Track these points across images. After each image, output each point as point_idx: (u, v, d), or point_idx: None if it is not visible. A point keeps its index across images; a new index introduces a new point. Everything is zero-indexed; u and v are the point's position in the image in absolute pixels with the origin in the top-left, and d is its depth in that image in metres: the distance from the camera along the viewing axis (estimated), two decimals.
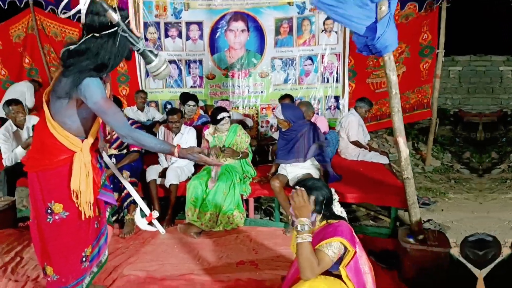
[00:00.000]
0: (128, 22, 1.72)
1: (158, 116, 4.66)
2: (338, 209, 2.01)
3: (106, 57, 1.70)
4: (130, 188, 2.95)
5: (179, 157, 1.89)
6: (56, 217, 1.88)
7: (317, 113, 4.76)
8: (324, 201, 1.83)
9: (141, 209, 3.03)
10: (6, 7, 4.37)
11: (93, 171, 1.93)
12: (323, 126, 3.90)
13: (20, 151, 3.48)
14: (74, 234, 1.94)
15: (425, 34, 4.81)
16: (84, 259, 2.02)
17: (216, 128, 3.45)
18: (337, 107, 4.98)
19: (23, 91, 4.56)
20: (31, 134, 3.55)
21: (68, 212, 1.89)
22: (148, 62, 1.80)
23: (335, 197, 2.00)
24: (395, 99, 2.55)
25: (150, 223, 3.07)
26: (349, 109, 4.82)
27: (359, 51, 2.67)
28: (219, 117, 3.37)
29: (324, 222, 1.89)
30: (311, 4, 4.29)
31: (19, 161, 3.54)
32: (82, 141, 1.88)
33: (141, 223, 3.05)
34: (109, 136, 3.37)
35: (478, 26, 7.73)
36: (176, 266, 2.66)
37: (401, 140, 2.54)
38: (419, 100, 5.04)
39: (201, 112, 4.54)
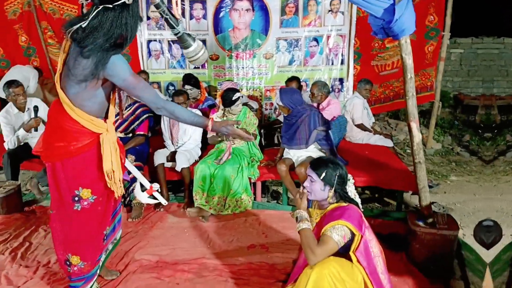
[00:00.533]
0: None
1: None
2: (352, 190, 2.02)
3: (124, 29, 1.63)
4: (128, 164, 2.90)
5: (212, 130, 1.84)
6: (85, 203, 1.85)
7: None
8: (337, 175, 1.87)
9: (141, 184, 2.98)
10: None
11: (119, 149, 1.91)
12: (336, 110, 3.84)
13: (22, 134, 3.41)
14: (100, 216, 1.93)
15: (432, 16, 4.73)
16: (105, 237, 2.04)
17: (229, 110, 3.38)
18: (341, 89, 4.93)
19: (27, 77, 4.40)
20: (32, 116, 3.46)
21: (96, 195, 1.87)
22: (185, 46, 1.73)
23: (351, 178, 2.01)
24: (410, 84, 2.52)
25: (151, 196, 3.03)
26: (353, 92, 4.78)
27: (374, 33, 2.62)
28: (234, 97, 3.31)
29: (335, 205, 1.90)
30: None
31: (21, 144, 3.48)
32: (104, 121, 1.85)
33: (142, 196, 2.98)
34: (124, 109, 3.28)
35: (479, 8, 7.65)
36: (188, 250, 2.67)
37: (414, 125, 2.54)
38: (423, 83, 5.01)
39: (206, 94, 4.47)
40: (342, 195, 1.91)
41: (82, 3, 4.79)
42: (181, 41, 1.73)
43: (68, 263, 1.94)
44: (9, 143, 3.43)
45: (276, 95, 3.28)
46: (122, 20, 1.61)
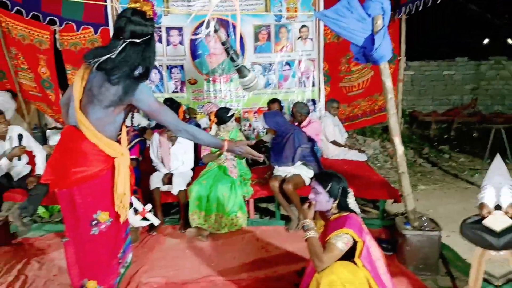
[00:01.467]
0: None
1: (144, 123, 4.58)
2: (352, 201, 2.21)
3: (147, 62, 1.81)
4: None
5: (227, 151, 1.99)
6: (102, 226, 1.87)
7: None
8: (340, 188, 2.04)
9: (134, 208, 2.97)
10: None
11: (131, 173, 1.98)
12: (316, 129, 4.09)
13: (5, 163, 3.27)
14: (115, 238, 1.96)
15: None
16: (119, 260, 2.04)
17: (224, 127, 3.55)
18: (314, 110, 5.24)
19: (7, 107, 4.24)
20: (14, 145, 3.33)
21: (112, 218, 1.91)
22: (242, 76, 1.90)
23: (350, 190, 2.21)
24: (390, 103, 2.83)
25: (144, 218, 3.03)
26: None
27: (355, 59, 2.93)
28: (230, 113, 3.53)
29: (337, 215, 2.08)
30: (315, 17, 4.47)
31: (3, 173, 3.33)
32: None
33: (135, 220, 2.97)
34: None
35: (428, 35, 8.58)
36: (193, 270, 2.71)
37: (397, 139, 2.82)
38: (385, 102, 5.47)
39: (186, 116, 4.55)
40: (343, 205, 2.09)
41: (55, 29, 4.82)
42: (239, 72, 1.90)
43: None
44: None
45: (260, 119, 3.51)
46: (145, 54, 1.80)
